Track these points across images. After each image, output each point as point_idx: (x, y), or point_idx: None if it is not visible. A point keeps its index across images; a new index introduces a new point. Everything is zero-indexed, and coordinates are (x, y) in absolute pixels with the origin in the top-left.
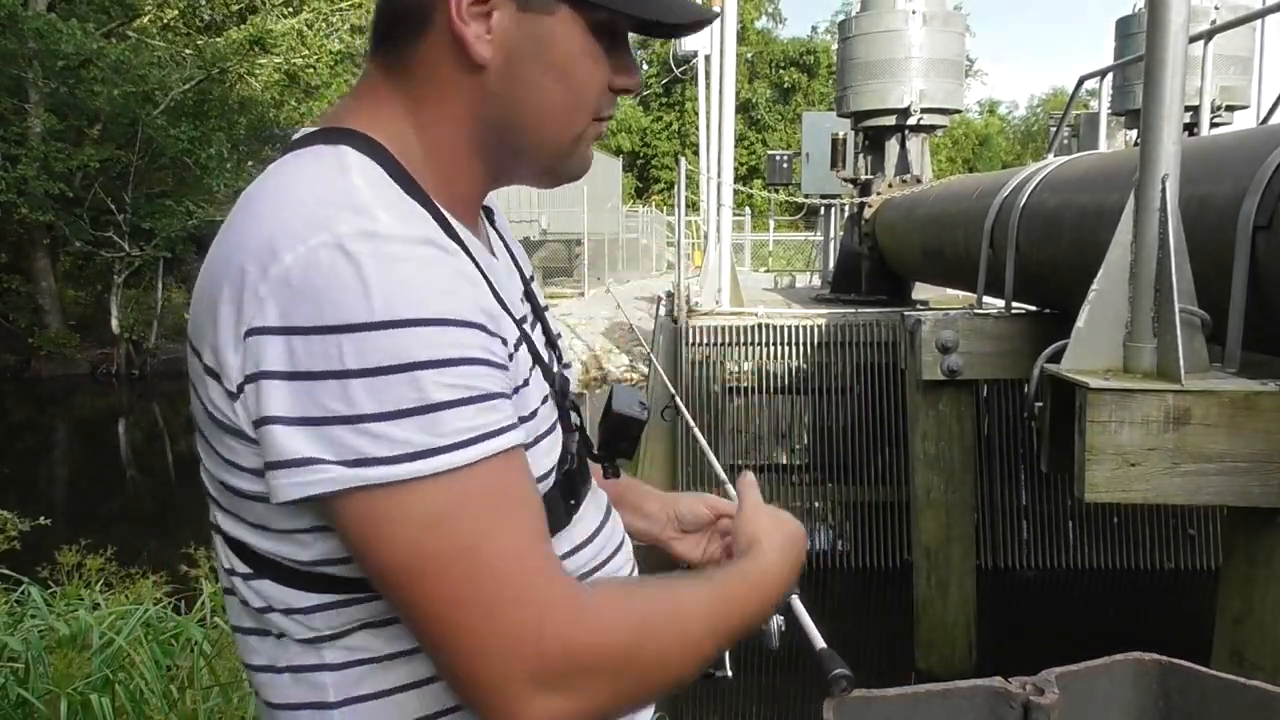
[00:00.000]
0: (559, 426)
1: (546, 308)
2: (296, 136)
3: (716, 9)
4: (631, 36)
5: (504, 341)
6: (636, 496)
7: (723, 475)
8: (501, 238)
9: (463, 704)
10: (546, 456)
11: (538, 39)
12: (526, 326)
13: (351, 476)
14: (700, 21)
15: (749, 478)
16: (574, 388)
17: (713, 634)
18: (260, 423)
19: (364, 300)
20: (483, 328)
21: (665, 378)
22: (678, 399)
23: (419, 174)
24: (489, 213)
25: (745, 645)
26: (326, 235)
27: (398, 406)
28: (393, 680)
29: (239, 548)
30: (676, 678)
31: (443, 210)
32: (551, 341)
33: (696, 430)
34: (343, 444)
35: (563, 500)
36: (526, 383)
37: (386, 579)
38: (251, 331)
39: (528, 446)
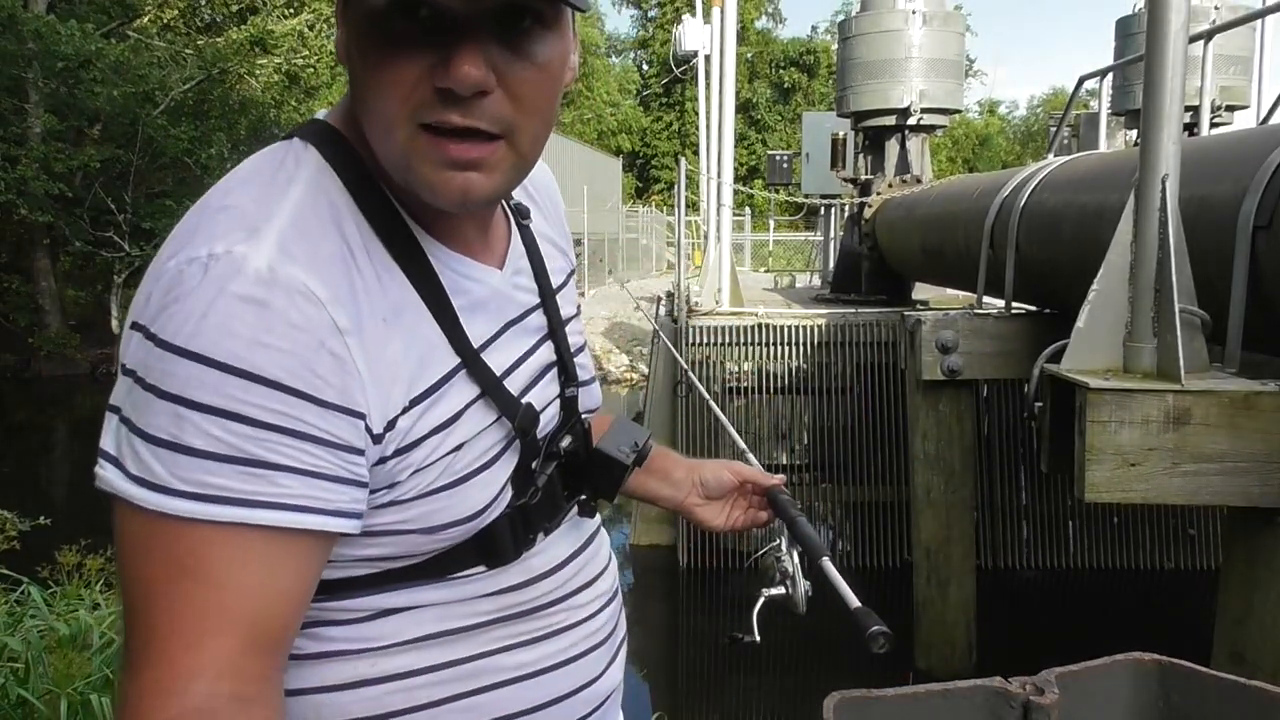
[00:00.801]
0: (513, 458)
1: (571, 318)
2: (300, 123)
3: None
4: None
5: (346, 413)
6: (664, 464)
7: (743, 445)
8: (531, 240)
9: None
10: (482, 490)
11: (350, 35)
12: (499, 351)
13: (109, 479)
14: None
15: None
16: (593, 403)
17: None
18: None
19: (185, 323)
20: (294, 392)
21: (678, 357)
22: (690, 374)
23: (387, 181)
24: (521, 211)
25: (773, 613)
26: (204, 251)
27: (156, 433)
28: (312, 681)
29: None
30: None
31: (409, 221)
32: (564, 359)
33: (714, 405)
34: (120, 448)
35: (512, 533)
36: (455, 418)
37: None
38: (133, 323)
39: (440, 489)
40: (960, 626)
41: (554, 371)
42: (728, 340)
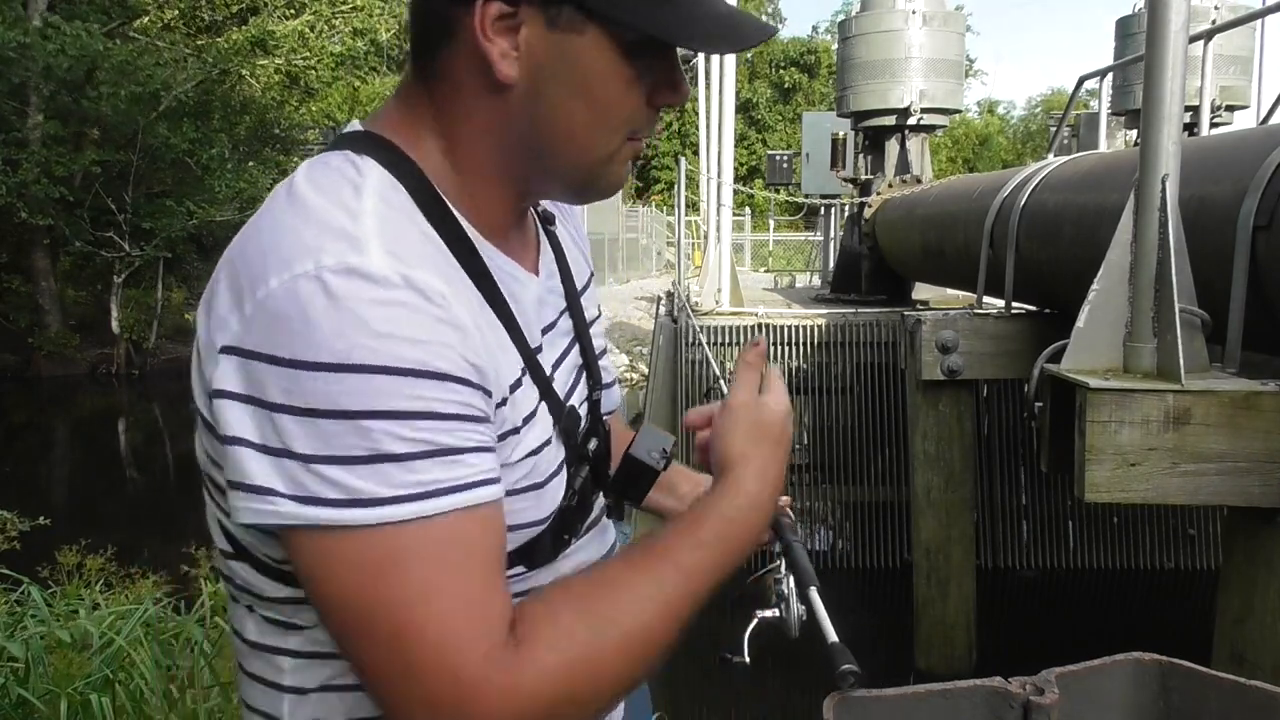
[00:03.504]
0: (564, 465)
1: (594, 320)
2: (340, 134)
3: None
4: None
5: (487, 394)
6: (670, 476)
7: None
8: (558, 245)
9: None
10: (548, 500)
11: (566, 60)
12: (545, 356)
13: (301, 514)
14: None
15: (753, 355)
16: (612, 405)
17: (676, 618)
18: (226, 440)
19: (332, 340)
20: (460, 380)
21: (710, 357)
22: (721, 382)
23: (447, 189)
24: (547, 217)
25: (767, 635)
26: (311, 265)
27: (348, 452)
28: (344, 677)
29: (223, 528)
30: (633, 682)
31: (468, 228)
32: (589, 362)
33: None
34: (296, 480)
35: (553, 538)
36: (529, 419)
37: (325, 615)
38: (227, 349)
39: (527, 489)
40: (960, 626)
41: (583, 375)
42: (728, 340)
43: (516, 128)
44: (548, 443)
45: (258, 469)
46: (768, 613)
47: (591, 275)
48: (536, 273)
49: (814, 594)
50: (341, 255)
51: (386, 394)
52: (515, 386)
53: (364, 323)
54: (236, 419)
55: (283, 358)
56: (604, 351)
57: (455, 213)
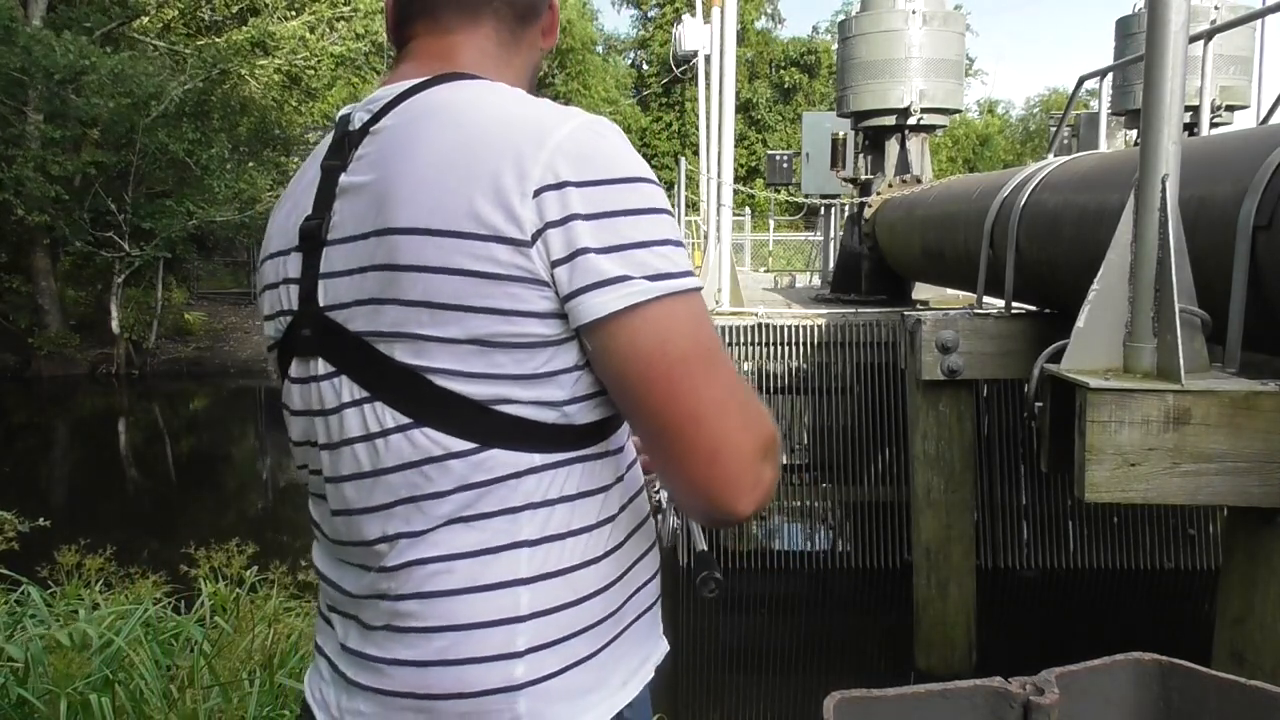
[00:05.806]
0: None
1: None
2: (427, 78)
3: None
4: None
5: None
6: None
7: None
8: None
9: (698, 496)
10: None
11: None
12: None
13: (655, 287)
14: None
15: None
16: None
17: None
18: (572, 256)
19: (624, 161)
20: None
21: None
22: None
23: None
24: None
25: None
26: (579, 120)
27: (667, 236)
28: (575, 558)
29: (472, 417)
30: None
31: None
32: None
33: None
34: (642, 263)
35: None
36: None
37: (663, 374)
38: (543, 189)
39: None
40: (960, 626)
41: None
42: (728, 340)
43: (535, 75)
44: None
45: (608, 266)
46: None
47: None
48: None
49: None
50: (579, 113)
51: (664, 199)
52: None
53: (632, 151)
54: (578, 234)
55: (606, 178)
56: None
57: None
